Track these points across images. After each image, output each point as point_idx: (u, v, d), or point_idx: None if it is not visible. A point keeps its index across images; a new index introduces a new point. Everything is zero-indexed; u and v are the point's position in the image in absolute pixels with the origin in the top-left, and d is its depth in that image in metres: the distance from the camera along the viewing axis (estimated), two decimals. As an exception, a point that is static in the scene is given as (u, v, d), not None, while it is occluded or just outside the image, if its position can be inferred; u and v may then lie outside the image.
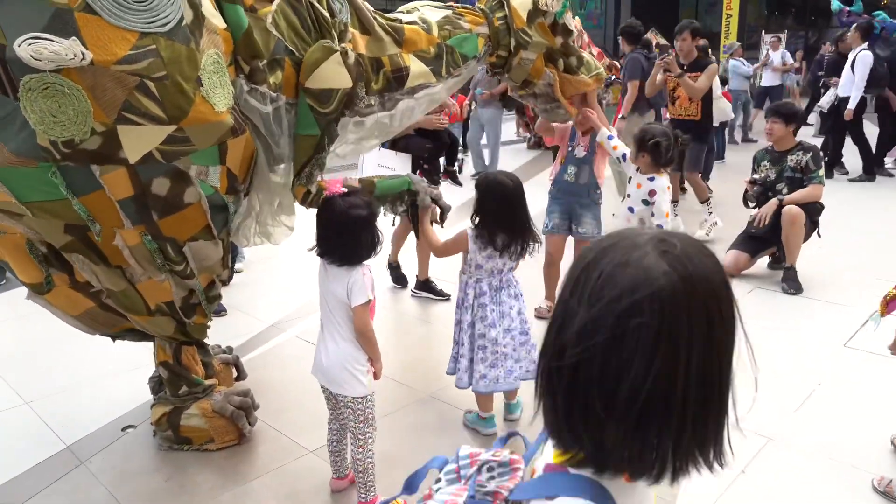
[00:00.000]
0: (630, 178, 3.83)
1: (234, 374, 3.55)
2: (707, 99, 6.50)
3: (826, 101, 9.50)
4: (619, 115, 7.19)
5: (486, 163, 9.07)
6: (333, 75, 2.64)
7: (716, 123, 7.59)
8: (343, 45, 2.73)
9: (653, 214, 3.65)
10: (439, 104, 3.63)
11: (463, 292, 3.01)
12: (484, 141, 9.14)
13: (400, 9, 3.41)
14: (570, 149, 4.32)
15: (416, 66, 3.12)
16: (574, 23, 3.77)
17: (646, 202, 3.68)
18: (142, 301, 2.71)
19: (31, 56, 1.96)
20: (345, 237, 2.39)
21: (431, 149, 4.84)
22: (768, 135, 5.16)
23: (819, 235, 5.14)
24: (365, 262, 2.46)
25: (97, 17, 2.04)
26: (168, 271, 2.61)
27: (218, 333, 3.48)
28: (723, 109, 7.76)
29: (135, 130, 2.18)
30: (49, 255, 2.59)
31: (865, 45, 8.73)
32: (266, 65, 2.55)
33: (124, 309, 2.73)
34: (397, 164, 4.55)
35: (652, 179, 3.63)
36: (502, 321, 2.98)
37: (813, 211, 5.01)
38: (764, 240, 5.15)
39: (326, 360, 2.47)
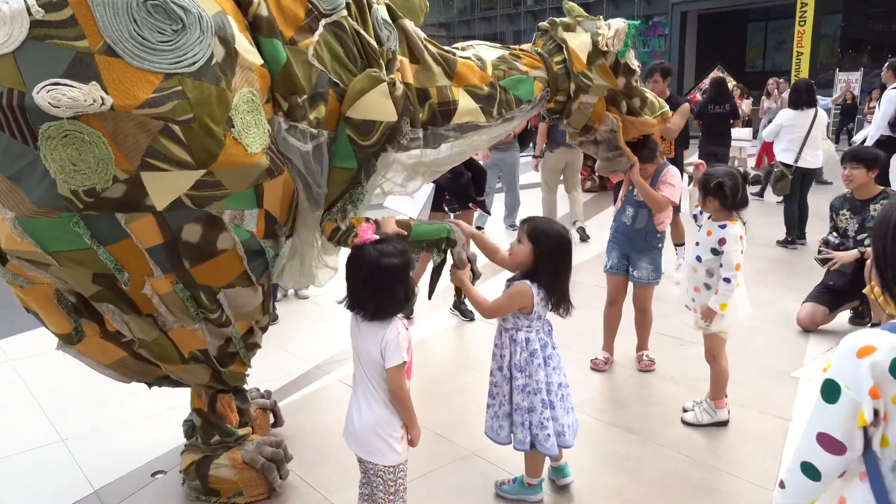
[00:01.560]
0: (700, 226, 3.50)
1: (272, 419, 3.38)
2: (680, 138, 6.44)
3: (859, 137, 9.11)
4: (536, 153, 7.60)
5: (505, 211, 8.35)
6: (377, 106, 2.47)
7: (819, 165, 7.24)
8: (391, 76, 2.56)
9: (721, 266, 3.32)
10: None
11: (526, 351, 2.68)
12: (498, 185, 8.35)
13: (456, 45, 3.24)
14: (630, 189, 4.05)
15: (465, 102, 2.92)
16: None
17: (715, 251, 3.36)
18: (175, 349, 2.56)
19: (49, 103, 1.87)
20: (377, 289, 2.18)
21: (452, 178, 4.63)
22: (847, 182, 4.76)
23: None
24: (399, 316, 2.24)
25: (119, 60, 1.93)
26: (202, 320, 2.46)
27: (258, 372, 3.30)
28: (828, 151, 7.33)
29: (161, 177, 2.06)
30: (78, 305, 2.46)
31: None
32: (307, 100, 2.40)
33: (157, 358, 2.59)
34: (418, 192, 4.39)
35: (723, 227, 3.30)
36: (560, 360, 2.77)
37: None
38: (844, 292, 4.72)
39: (358, 424, 2.25)
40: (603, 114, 3.40)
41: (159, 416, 3.49)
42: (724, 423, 3.46)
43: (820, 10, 18.76)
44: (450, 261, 2.82)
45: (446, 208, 5.05)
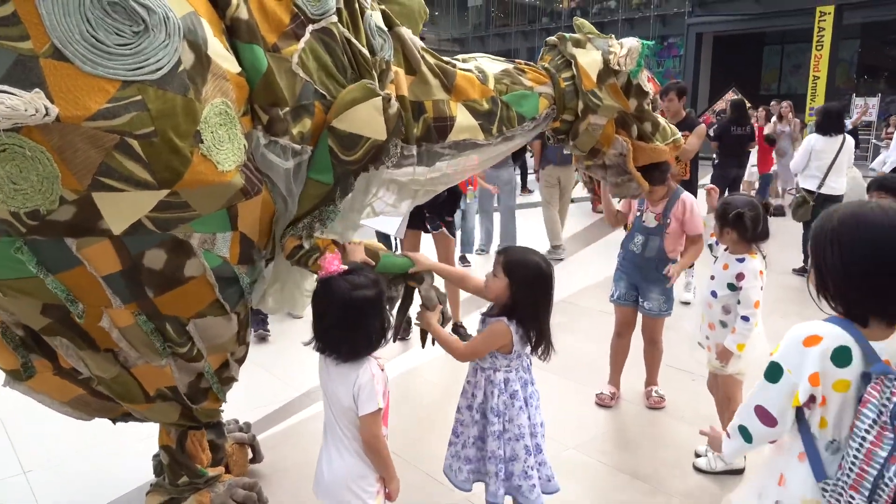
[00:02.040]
0: (716, 257, 3.25)
1: (250, 455, 3.13)
2: (695, 159, 6.22)
3: (877, 163, 8.90)
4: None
5: (499, 236, 7.75)
6: (367, 121, 2.24)
7: (843, 192, 6.89)
8: (387, 91, 2.34)
9: (739, 302, 3.07)
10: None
11: (505, 393, 2.42)
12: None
13: (457, 56, 3.00)
14: (638, 214, 3.81)
15: (462, 118, 2.68)
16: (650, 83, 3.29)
17: (732, 287, 3.10)
18: (138, 387, 2.32)
19: None
20: (350, 327, 1.95)
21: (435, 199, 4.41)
22: None
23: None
24: (373, 357, 2.00)
25: (68, 65, 1.68)
26: (170, 355, 2.22)
27: (238, 399, 3.05)
28: (855, 178, 7.03)
29: (117, 197, 1.83)
30: (27, 339, 2.22)
31: None
32: (290, 112, 2.17)
33: (118, 397, 2.35)
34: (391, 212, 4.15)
35: (742, 261, 3.05)
36: (538, 398, 2.53)
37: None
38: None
39: (329, 476, 2.01)
40: (612, 137, 3.15)
41: (131, 445, 3.25)
42: (739, 471, 3.19)
43: (837, 35, 18.55)
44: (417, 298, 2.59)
45: (429, 227, 4.81)
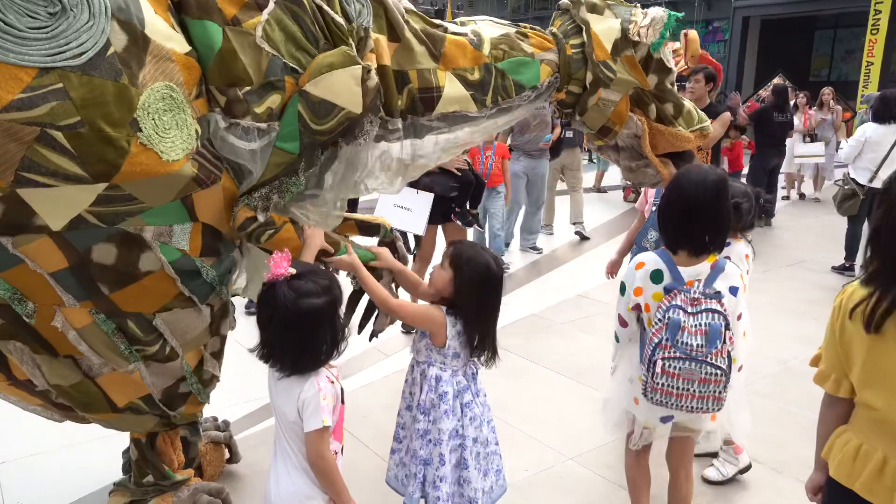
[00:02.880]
0: None
1: (227, 455, 2.99)
2: (716, 148, 5.95)
3: None
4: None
5: (522, 228, 7.20)
6: (343, 90, 2.05)
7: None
8: (367, 63, 2.14)
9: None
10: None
11: (434, 392, 2.23)
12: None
13: (458, 20, 2.74)
14: (654, 208, 3.52)
15: (451, 89, 2.44)
16: (689, 46, 2.96)
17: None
18: (102, 397, 2.18)
19: None
20: (295, 339, 1.77)
21: (458, 188, 4.19)
22: None
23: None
24: (323, 370, 1.81)
25: None
26: (138, 358, 2.08)
27: (216, 396, 2.89)
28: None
29: (47, 193, 1.71)
30: None
31: None
32: (254, 91, 2.00)
33: (79, 407, 2.20)
34: (417, 204, 3.90)
35: (727, 244, 2.82)
36: (485, 412, 2.33)
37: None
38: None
39: (275, 495, 1.85)
40: (626, 115, 2.81)
41: (103, 440, 3.11)
42: (748, 468, 3.02)
43: (895, 18, 17.64)
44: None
45: (459, 222, 4.58)
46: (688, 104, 2.98)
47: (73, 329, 2.00)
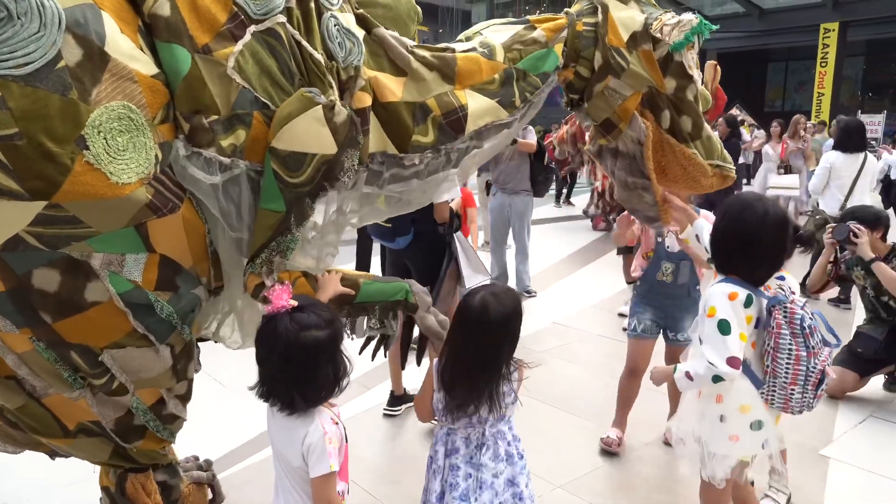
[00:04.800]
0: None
1: (210, 495, 2.90)
2: None
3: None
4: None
5: (514, 272, 6.68)
6: (308, 135, 1.98)
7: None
8: (333, 98, 2.08)
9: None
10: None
11: (433, 448, 2.15)
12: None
13: (458, 37, 2.71)
14: (659, 240, 3.42)
15: (475, 103, 2.40)
16: (715, 78, 2.79)
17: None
18: (53, 420, 2.08)
19: None
20: (297, 374, 1.73)
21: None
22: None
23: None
24: (325, 407, 1.79)
25: None
26: (83, 385, 1.99)
27: (198, 434, 2.83)
28: (877, 204, 6.66)
29: None
30: None
31: None
32: (221, 122, 1.95)
33: (31, 430, 2.11)
34: None
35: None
36: (480, 494, 2.05)
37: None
38: (876, 360, 4.22)
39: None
40: (632, 113, 2.62)
41: (79, 484, 3.00)
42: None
43: (842, 52, 18.45)
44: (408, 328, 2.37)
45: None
46: (712, 133, 2.80)
47: (13, 353, 1.91)
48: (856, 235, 4.06)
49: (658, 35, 2.54)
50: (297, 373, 1.74)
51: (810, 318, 2.18)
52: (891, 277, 4.01)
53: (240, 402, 4.03)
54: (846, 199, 6.25)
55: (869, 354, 4.17)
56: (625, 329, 3.82)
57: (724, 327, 2.14)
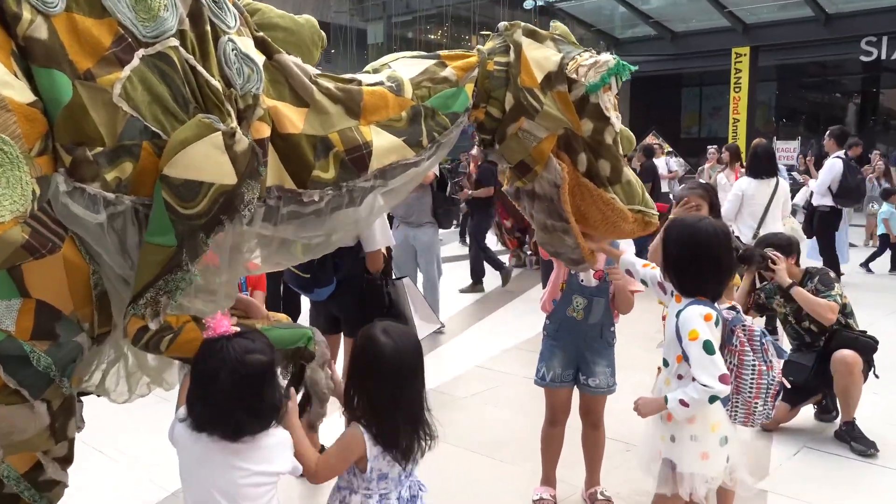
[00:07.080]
0: (665, 310, 2.87)
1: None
2: None
3: (800, 198, 9.49)
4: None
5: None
6: (206, 163, 1.93)
7: None
8: (232, 125, 2.04)
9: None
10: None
11: None
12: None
13: (366, 67, 2.71)
14: (573, 273, 3.30)
15: (381, 141, 2.39)
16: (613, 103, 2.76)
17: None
18: None
19: None
20: (243, 396, 1.89)
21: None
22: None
23: (877, 376, 4.44)
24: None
25: None
26: None
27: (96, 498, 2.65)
28: (795, 231, 6.97)
29: None
30: None
31: (841, 152, 8.47)
32: (106, 154, 1.89)
33: None
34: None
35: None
36: None
37: (865, 348, 4.35)
38: (805, 389, 4.49)
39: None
40: (547, 156, 2.66)
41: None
42: None
43: (755, 77, 19.67)
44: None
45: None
46: (634, 178, 2.83)
47: None
48: (773, 262, 4.33)
49: (574, 76, 2.59)
50: (246, 395, 1.88)
51: (762, 334, 2.55)
52: (808, 301, 4.30)
53: (136, 466, 3.85)
54: (758, 227, 6.60)
55: (800, 382, 4.40)
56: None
57: (709, 347, 2.40)
